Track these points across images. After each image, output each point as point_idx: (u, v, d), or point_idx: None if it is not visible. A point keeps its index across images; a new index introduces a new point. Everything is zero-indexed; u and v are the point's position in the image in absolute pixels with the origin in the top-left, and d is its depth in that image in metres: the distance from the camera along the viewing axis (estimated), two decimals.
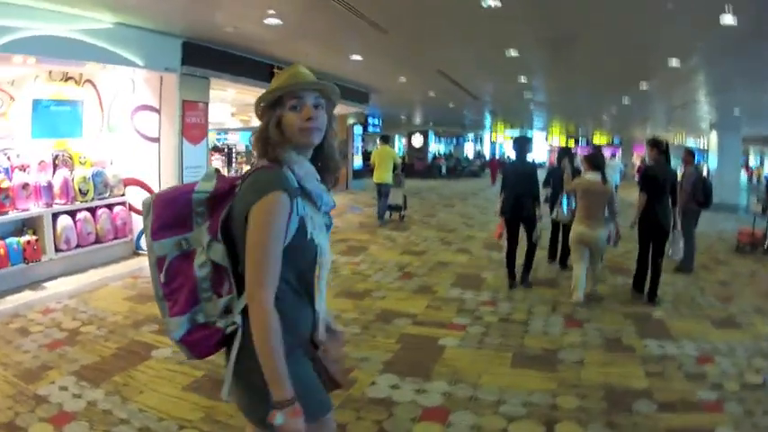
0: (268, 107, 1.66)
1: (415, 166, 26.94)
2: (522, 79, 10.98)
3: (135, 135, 7.43)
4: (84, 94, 7.43)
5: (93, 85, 7.48)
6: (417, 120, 27.01)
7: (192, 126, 7.54)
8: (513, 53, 7.90)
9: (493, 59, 8.84)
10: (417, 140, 29.79)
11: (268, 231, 1.50)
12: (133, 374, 3.97)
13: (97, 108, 7.52)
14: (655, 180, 5.72)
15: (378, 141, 11.69)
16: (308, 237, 1.61)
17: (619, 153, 30.50)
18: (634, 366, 4.18)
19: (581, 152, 19.63)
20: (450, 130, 31.98)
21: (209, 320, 1.67)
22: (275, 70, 8.54)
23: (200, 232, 1.67)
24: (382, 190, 10.96)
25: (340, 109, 14.43)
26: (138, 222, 7.39)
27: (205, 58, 7.55)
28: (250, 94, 9.13)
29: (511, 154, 31.56)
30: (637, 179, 6.26)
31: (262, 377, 1.51)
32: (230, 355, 1.63)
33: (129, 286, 6.29)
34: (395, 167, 10.93)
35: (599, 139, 32.48)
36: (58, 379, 3.85)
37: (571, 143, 31.59)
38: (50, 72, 7.23)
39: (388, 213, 11.36)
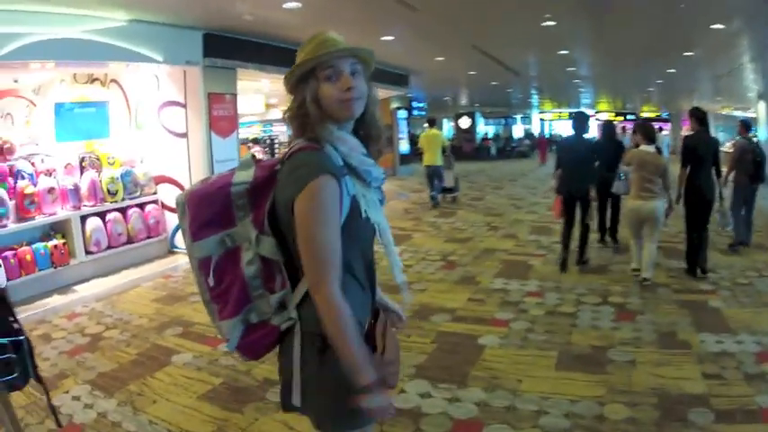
0: (300, 81, 1.50)
1: (463, 148, 26.22)
2: (563, 51, 10.34)
3: (163, 132, 7.28)
4: (111, 94, 7.34)
5: (119, 85, 7.39)
6: (463, 101, 26.32)
7: (220, 119, 7.30)
8: (549, 23, 7.28)
9: (529, 31, 8.22)
10: (465, 122, 29.10)
11: (320, 221, 1.37)
12: (149, 382, 3.78)
13: (124, 107, 7.43)
14: (695, 150, 5.58)
15: (425, 125, 11.61)
16: (363, 215, 1.47)
17: (668, 127, 28.94)
18: (690, 366, 3.64)
19: (629, 127, 18.87)
20: (498, 110, 31.11)
21: (263, 319, 1.55)
22: None
23: (245, 226, 1.52)
24: (434, 172, 10.95)
25: (380, 93, 14.02)
26: (171, 220, 7.29)
27: (228, 48, 7.26)
28: None
29: (561, 132, 30.69)
30: None
31: (328, 374, 1.46)
32: (293, 357, 1.51)
33: (159, 287, 6.15)
34: (444, 150, 10.91)
35: (647, 112, 30.89)
36: (72, 388, 3.73)
37: (619, 119, 30.17)
38: (75, 75, 7.18)
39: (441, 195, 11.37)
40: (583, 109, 28.56)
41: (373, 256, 1.61)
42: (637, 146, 5.72)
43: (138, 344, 4.50)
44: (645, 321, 4.46)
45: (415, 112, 22.32)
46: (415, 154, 24.31)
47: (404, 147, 18.07)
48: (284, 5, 6.11)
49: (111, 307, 5.51)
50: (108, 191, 6.63)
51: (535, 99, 26.08)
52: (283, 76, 1.54)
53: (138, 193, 7.04)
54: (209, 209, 1.53)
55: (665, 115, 30.75)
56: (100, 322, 5.07)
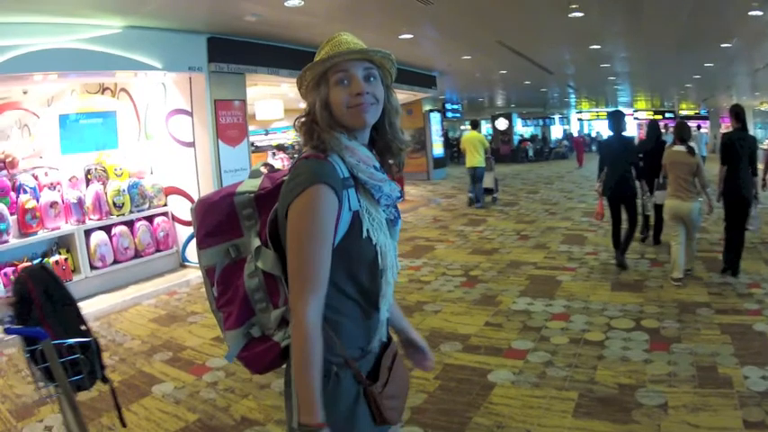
0: (312, 86, 1.39)
1: (500, 150, 25.39)
2: (595, 46, 9.75)
3: (171, 141, 7.03)
4: (120, 104, 7.15)
5: (128, 94, 7.19)
6: (499, 102, 25.62)
7: (228, 127, 6.99)
8: (576, 14, 6.71)
9: (555, 23, 7.67)
10: (502, 124, 28.34)
11: (307, 233, 1.26)
12: (123, 415, 3.42)
13: (133, 117, 7.22)
14: (731, 148, 5.45)
15: (468, 127, 11.58)
16: (364, 235, 1.33)
17: (707, 125, 28.00)
18: (730, 412, 3.01)
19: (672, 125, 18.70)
20: (535, 111, 30.19)
21: (265, 333, 1.47)
22: None
23: (251, 237, 1.47)
24: (476, 174, 11.15)
25: (407, 95, 13.63)
26: (182, 233, 7.04)
27: (235, 52, 6.95)
28: None
29: (602, 132, 29.79)
30: None
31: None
32: (291, 381, 1.36)
33: (161, 305, 5.86)
34: (485, 152, 11.15)
35: (685, 110, 29.84)
36: (48, 416, 3.49)
37: (658, 117, 29.12)
38: (85, 85, 7.02)
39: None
40: (621, 107, 27.79)
41: (381, 280, 1.40)
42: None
43: (123, 369, 4.20)
44: (682, 351, 3.84)
45: (449, 114, 21.74)
46: (452, 158, 23.92)
47: (437, 150, 17.42)
48: (286, 3, 5.76)
49: (108, 326, 5.26)
50: (114, 204, 6.42)
51: (573, 98, 25.20)
52: (297, 78, 1.43)
53: (146, 206, 6.81)
54: (213, 217, 1.48)
55: (703, 113, 29.78)
56: None
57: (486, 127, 30.18)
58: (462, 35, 8.48)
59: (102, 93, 7.25)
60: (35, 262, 5.64)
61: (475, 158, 10.97)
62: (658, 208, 6.62)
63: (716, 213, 5.73)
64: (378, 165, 1.42)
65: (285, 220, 1.31)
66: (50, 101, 7.02)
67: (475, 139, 11.08)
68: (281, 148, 13.04)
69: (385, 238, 1.39)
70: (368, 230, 1.34)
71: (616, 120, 6.23)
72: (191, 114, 6.84)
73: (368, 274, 1.38)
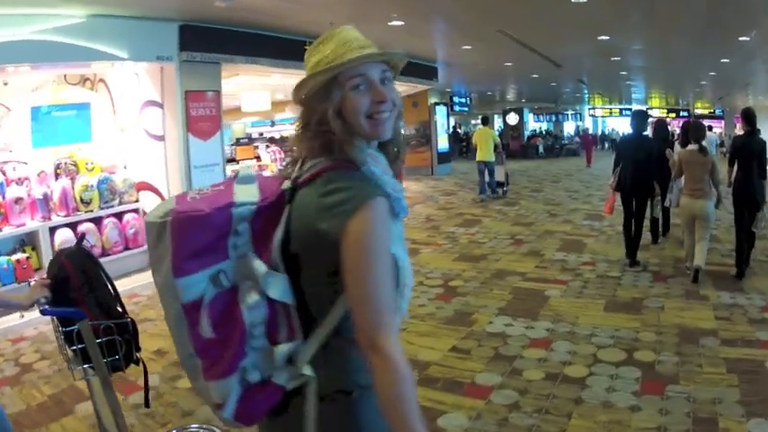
0: (320, 92, 1.20)
1: (510, 145, 24.87)
2: (603, 37, 9.25)
3: (143, 134, 6.71)
4: (95, 96, 6.85)
5: (106, 85, 6.88)
6: (510, 96, 25.05)
7: (199, 119, 6.64)
8: None
9: (556, 8, 7.20)
10: (512, 119, 27.90)
11: (377, 254, 1.10)
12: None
13: (109, 108, 6.90)
14: (740, 151, 5.67)
15: (473, 122, 11.68)
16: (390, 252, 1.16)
17: (722, 125, 27.54)
18: None
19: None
20: (546, 106, 29.59)
21: (264, 377, 1.21)
22: (306, 47, 7.42)
23: (245, 260, 1.18)
24: (486, 168, 11.61)
25: (407, 88, 13.14)
26: None
27: (209, 40, 6.57)
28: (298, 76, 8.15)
29: (618, 129, 29.35)
30: None
31: None
32: (305, 426, 1.19)
33: None
34: (495, 146, 11.58)
35: (700, 109, 29.34)
36: None
37: (672, 115, 28.47)
38: (65, 76, 6.72)
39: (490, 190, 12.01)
40: (635, 105, 27.26)
41: (399, 297, 1.25)
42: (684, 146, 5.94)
43: (56, 382, 3.91)
44: (677, 396, 3.30)
45: (457, 108, 21.27)
46: (461, 152, 23.53)
47: (443, 144, 16.94)
48: None
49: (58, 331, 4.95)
50: (81, 200, 6.14)
51: (585, 94, 24.59)
52: (296, 84, 1.24)
53: (115, 202, 6.50)
54: (204, 235, 1.16)
55: (718, 112, 29.16)
56: (39, 350, 4.56)
57: (497, 122, 29.77)
58: (458, 22, 8.09)
59: (83, 84, 6.98)
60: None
61: (485, 153, 11.42)
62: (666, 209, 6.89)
63: (728, 221, 5.76)
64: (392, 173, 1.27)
65: (330, 242, 1.10)
66: (35, 91, 6.75)
67: (486, 135, 11.64)
68: (273, 141, 12.57)
69: (404, 253, 1.24)
70: (391, 247, 1.19)
71: (639, 119, 6.43)
72: (161, 106, 6.50)
73: None
